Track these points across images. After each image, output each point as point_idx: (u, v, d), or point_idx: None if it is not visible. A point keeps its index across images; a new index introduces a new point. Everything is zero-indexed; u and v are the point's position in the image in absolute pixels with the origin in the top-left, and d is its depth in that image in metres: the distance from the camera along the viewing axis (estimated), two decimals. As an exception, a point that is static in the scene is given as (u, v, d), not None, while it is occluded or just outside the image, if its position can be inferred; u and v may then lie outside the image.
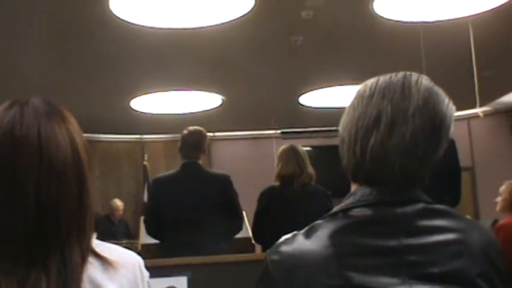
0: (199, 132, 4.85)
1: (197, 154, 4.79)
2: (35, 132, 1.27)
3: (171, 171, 4.97)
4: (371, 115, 1.35)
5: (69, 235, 1.26)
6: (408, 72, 1.40)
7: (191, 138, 4.79)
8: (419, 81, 1.37)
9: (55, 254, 1.24)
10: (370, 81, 1.41)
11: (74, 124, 1.34)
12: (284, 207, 4.71)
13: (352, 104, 1.40)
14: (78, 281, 1.23)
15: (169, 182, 4.79)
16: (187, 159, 4.78)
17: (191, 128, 4.87)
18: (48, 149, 1.27)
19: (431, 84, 1.39)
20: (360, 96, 1.39)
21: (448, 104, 1.37)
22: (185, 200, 4.64)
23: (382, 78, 1.40)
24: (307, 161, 4.86)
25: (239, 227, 4.86)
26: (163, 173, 5.21)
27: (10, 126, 1.27)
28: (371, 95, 1.37)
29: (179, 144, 4.83)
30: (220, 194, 4.71)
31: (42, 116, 1.30)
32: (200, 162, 4.81)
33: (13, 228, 1.23)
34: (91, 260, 1.27)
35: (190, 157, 4.77)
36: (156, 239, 4.82)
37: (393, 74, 1.40)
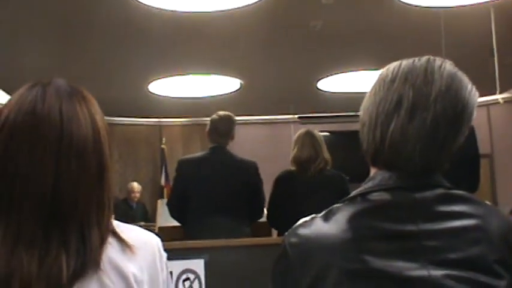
0: (229, 117, 4.87)
1: (226, 139, 4.81)
2: (57, 110, 1.28)
3: (198, 154, 5.01)
4: (392, 100, 1.34)
5: (88, 214, 1.27)
6: (432, 57, 1.38)
7: (221, 124, 4.81)
8: (442, 67, 1.36)
9: (74, 232, 1.25)
10: (393, 65, 1.40)
11: (95, 105, 1.35)
12: (300, 192, 4.72)
13: (374, 87, 1.39)
14: (97, 261, 1.24)
15: (197, 164, 4.81)
16: (215, 143, 4.80)
17: (221, 113, 4.89)
18: (69, 126, 1.28)
19: (455, 69, 1.37)
20: (381, 80, 1.38)
21: (471, 90, 1.36)
22: (212, 183, 4.66)
23: (405, 63, 1.38)
24: (324, 146, 4.86)
25: (260, 214, 4.88)
26: (189, 154, 5.24)
27: (32, 105, 1.28)
28: (393, 79, 1.36)
29: (208, 128, 4.85)
30: (247, 180, 4.74)
31: (64, 95, 1.31)
32: (228, 147, 4.83)
33: (31, 204, 1.24)
34: (110, 240, 1.28)
35: (219, 142, 4.79)
36: (179, 221, 4.84)
37: (416, 59, 1.38)
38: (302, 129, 5.06)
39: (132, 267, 1.27)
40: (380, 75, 1.40)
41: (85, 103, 1.33)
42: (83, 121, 1.29)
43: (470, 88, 1.36)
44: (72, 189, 1.26)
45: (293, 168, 4.87)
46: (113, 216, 1.33)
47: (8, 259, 1.20)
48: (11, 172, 1.25)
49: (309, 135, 4.91)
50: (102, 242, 1.26)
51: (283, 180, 4.87)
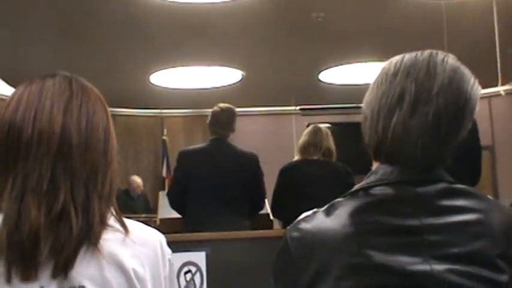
0: (231, 110, 4.87)
1: (226, 132, 4.81)
2: (67, 80, 1.34)
3: (199, 146, 5.01)
4: (394, 93, 1.33)
5: (93, 180, 1.28)
6: (434, 51, 1.37)
7: (222, 116, 4.80)
8: (445, 61, 1.35)
9: (80, 189, 1.26)
10: (395, 59, 1.39)
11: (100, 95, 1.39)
12: (304, 183, 4.75)
13: (376, 81, 1.39)
14: (97, 237, 1.25)
15: (197, 156, 4.82)
16: (216, 135, 4.80)
17: (222, 105, 4.88)
18: (79, 93, 1.33)
19: (458, 63, 1.37)
20: (384, 74, 1.38)
21: (473, 84, 1.35)
22: (212, 175, 4.66)
23: (408, 56, 1.38)
24: (329, 138, 4.93)
25: (261, 206, 4.89)
26: (190, 146, 5.25)
27: (42, 77, 1.35)
28: (395, 73, 1.36)
29: (209, 120, 4.84)
30: (247, 172, 4.74)
31: (73, 76, 1.37)
32: (229, 139, 4.83)
33: (37, 155, 1.26)
34: (112, 236, 1.28)
35: (220, 134, 4.79)
36: (179, 213, 4.84)
37: (419, 52, 1.38)
38: (311, 125, 5.16)
39: (133, 263, 1.27)
40: (382, 69, 1.40)
41: (91, 86, 1.38)
42: (92, 95, 1.35)
43: (472, 82, 1.35)
44: (79, 146, 1.28)
45: (298, 157, 4.94)
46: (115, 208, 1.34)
47: (17, 208, 1.22)
48: (17, 132, 1.27)
49: (314, 127, 5.07)
50: (101, 221, 1.27)
51: (287, 172, 4.92)
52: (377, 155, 1.37)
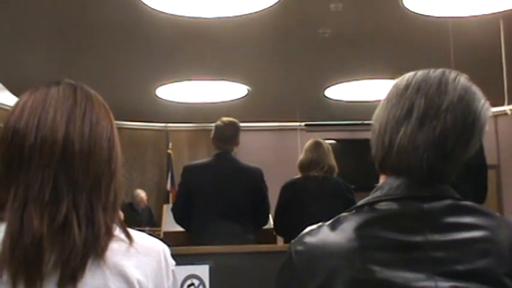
0: (234, 124, 4.86)
1: (230, 146, 4.81)
2: (72, 88, 1.34)
3: (204, 160, 5.01)
4: (403, 107, 1.34)
5: (97, 190, 1.28)
6: (447, 70, 1.38)
7: (226, 130, 4.80)
8: (457, 79, 1.36)
9: (83, 199, 1.25)
10: (408, 74, 1.40)
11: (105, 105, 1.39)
12: (305, 200, 4.75)
13: (387, 95, 1.40)
14: (103, 248, 1.24)
15: (202, 171, 4.81)
16: (220, 150, 4.79)
17: (225, 119, 4.88)
18: (82, 101, 1.32)
19: (470, 83, 1.37)
20: (395, 88, 1.39)
21: (484, 104, 1.36)
22: (217, 190, 4.65)
23: (420, 72, 1.39)
24: (330, 154, 4.92)
25: (265, 221, 4.88)
26: (195, 161, 5.25)
27: (47, 85, 1.35)
28: (406, 88, 1.37)
29: (212, 134, 4.84)
30: (252, 187, 4.73)
31: (78, 84, 1.37)
32: (233, 153, 4.83)
33: (39, 164, 1.25)
34: (116, 246, 1.27)
35: (224, 148, 4.78)
36: (184, 227, 4.83)
37: (432, 70, 1.39)
38: (311, 139, 5.13)
39: (137, 274, 1.26)
40: (395, 83, 1.41)
41: (96, 95, 1.38)
42: (96, 104, 1.35)
43: (483, 102, 1.36)
44: (82, 155, 1.27)
45: (299, 175, 4.93)
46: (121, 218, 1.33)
47: (19, 218, 1.22)
48: (20, 139, 1.27)
49: (315, 142, 5.02)
50: (107, 233, 1.26)
51: (288, 189, 4.90)
52: (383, 168, 1.37)
